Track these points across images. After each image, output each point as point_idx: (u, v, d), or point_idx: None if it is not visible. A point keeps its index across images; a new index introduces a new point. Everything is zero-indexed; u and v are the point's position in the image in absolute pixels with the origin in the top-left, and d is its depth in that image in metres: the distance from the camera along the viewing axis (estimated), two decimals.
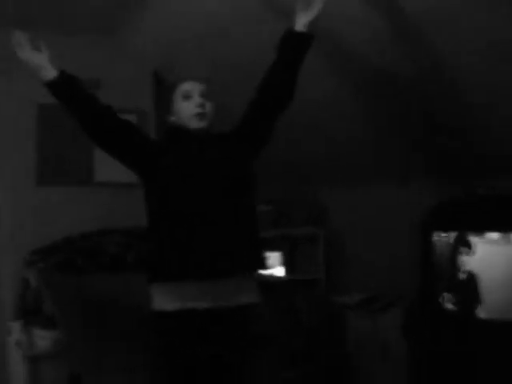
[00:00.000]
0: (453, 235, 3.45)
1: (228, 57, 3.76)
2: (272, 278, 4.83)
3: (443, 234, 3.49)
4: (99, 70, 4.14)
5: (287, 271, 4.93)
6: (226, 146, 2.61)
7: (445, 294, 3.46)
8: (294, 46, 2.63)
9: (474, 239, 3.34)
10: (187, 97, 2.56)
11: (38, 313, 3.37)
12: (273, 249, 4.90)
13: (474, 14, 2.71)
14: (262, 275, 4.62)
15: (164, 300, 2.46)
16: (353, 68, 3.46)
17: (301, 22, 2.60)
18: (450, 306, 3.44)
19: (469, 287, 3.35)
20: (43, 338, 3.29)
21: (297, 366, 4.11)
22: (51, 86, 2.52)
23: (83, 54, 4.07)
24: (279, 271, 4.90)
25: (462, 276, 3.39)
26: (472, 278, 3.34)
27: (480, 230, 3.33)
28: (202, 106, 2.54)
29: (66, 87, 2.54)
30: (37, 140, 3.96)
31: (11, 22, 3.49)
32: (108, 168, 4.09)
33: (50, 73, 2.51)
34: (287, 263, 4.94)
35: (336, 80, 3.60)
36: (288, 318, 4.65)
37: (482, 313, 3.31)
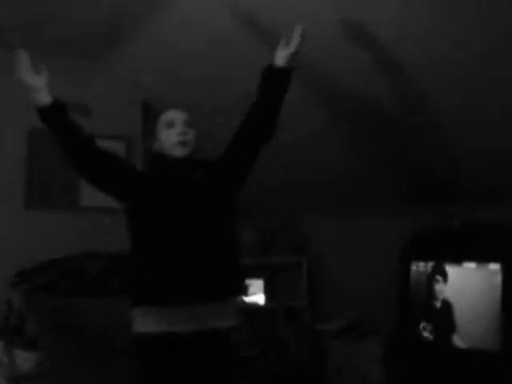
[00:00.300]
0: (430, 265, 3.51)
1: (216, 86, 3.85)
2: (254, 304, 4.86)
3: (421, 264, 3.55)
4: (89, 96, 4.25)
5: (269, 298, 4.96)
6: (209, 173, 2.67)
7: (422, 323, 3.51)
8: (273, 80, 2.71)
9: (450, 269, 3.41)
10: (170, 125, 2.63)
11: (21, 334, 3.40)
12: (255, 276, 4.93)
13: (453, 45, 2.83)
14: (243, 302, 4.68)
15: (146, 323, 2.49)
16: (338, 100, 3.55)
17: (279, 57, 2.68)
18: (426, 334, 3.49)
19: (444, 316, 3.40)
20: (25, 359, 3.31)
21: None
22: (43, 111, 2.54)
23: (74, 79, 4.17)
24: (261, 298, 4.92)
25: (437, 305, 3.45)
26: (447, 307, 3.40)
27: (456, 259, 3.40)
28: (184, 134, 2.61)
29: (56, 115, 2.56)
30: (25, 165, 4.02)
31: (3, 44, 3.60)
32: (93, 193, 4.14)
33: (45, 98, 2.53)
34: (269, 290, 4.97)
35: (323, 112, 3.69)
36: (269, 344, 4.69)
37: (456, 341, 3.36)
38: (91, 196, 4.12)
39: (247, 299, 4.83)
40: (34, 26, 3.65)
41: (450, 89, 3.09)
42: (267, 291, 4.96)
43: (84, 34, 3.78)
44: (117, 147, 4.29)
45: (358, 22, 2.91)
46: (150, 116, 4.15)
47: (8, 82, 3.93)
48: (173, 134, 2.61)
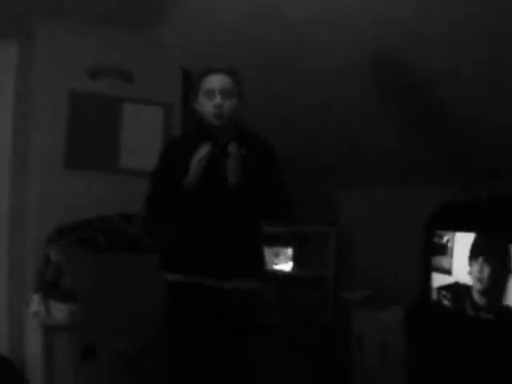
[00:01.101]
0: (453, 235, 3.52)
1: (258, 61, 3.90)
2: (281, 272, 4.98)
3: (445, 233, 3.57)
4: (131, 62, 4.34)
5: (296, 267, 5.07)
6: (251, 155, 2.74)
7: (443, 292, 3.55)
8: None
9: (471, 238, 3.40)
10: (209, 94, 2.71)
11: (57, 286, 3.56)
12: (284, 244, 5.05)
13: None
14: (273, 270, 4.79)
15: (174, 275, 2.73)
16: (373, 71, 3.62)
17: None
18: (446, 302, 3.52)
19: (460, 285, 3.43)
20: (60, 310, 3.46)
21: (298, 357, 4.27)
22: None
23: (115, 44, 4.30)
24: (289, 266, 5.03)
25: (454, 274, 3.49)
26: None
27: (480, 230, 3.39)
28: (219, 107, 2.69)
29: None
30: (66, 125, 4.11)
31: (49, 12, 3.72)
32: (133, 155, 4.28)
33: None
34: (297, 259, 5.08)
35: (356, 83, 3.75)
36: (295, 311, 4.80)
37: (469, 310, 3.38)
38: (130, 158, 4.26)
39: (275, 267, 4.96)
40: None
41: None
42: (295, 259, 5.07)
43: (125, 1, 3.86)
44: (155, 112, 4.41)
45: None
46: (190, 81, 4.24)
47: (50, 46, 4.12)
48: (210, 105, 2.70)
